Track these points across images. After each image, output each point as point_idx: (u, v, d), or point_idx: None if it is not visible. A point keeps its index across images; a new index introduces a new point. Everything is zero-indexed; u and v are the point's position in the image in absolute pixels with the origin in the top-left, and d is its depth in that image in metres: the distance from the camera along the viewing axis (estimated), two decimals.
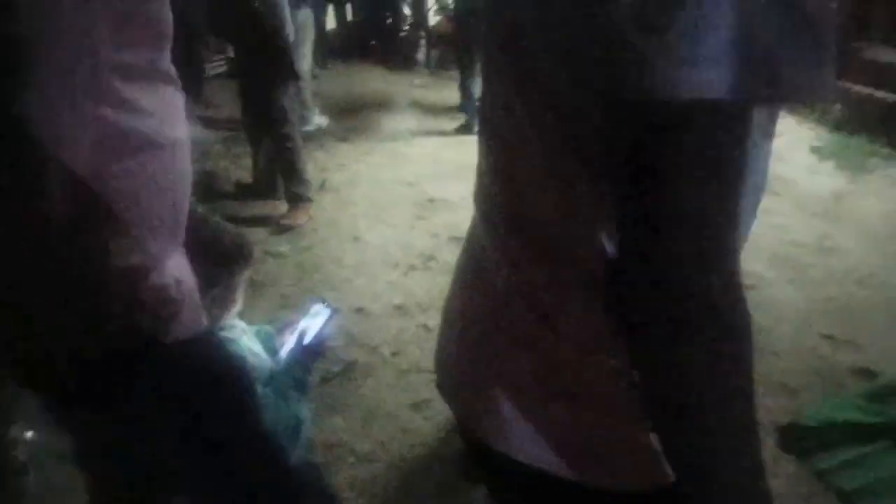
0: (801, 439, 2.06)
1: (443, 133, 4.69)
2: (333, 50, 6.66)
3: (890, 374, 2.30)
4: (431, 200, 3.61)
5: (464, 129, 4.57)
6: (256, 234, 3.14)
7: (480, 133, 0.74)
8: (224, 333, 1.42)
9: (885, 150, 4.05)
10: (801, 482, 1.92)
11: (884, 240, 3.18)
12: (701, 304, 0.53)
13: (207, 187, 3.55)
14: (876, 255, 3.08)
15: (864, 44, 4.30)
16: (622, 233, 0.55)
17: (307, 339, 1.61)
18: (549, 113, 0.60)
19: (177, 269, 0.89)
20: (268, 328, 1.67)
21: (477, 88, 4.29)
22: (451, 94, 5.15)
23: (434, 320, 2.28)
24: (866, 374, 2.36)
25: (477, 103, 3.94)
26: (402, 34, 6.98)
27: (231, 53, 4.67)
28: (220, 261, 1.39)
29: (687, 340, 0.54)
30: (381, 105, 5.43)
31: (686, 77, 0.49)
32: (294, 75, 3.23)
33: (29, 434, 1.64)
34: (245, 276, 1.56)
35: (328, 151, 4.36)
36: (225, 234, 1.46)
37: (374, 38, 7.06)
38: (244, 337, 1.53)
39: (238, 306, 1.57)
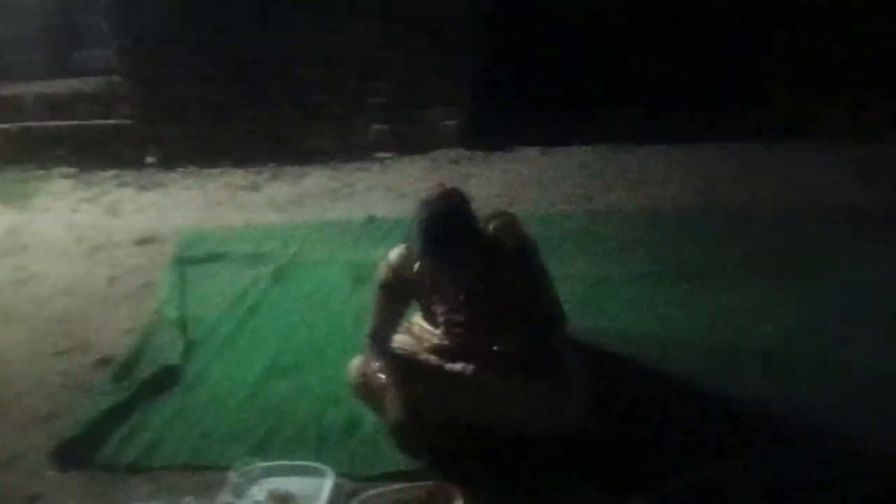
0: (76, 451, 2.21)
1: None
2: None
3: (119, 354, 2.66)
4: None
5: None
6: None
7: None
8: None
9: (38, 173, 4.32)
10: (90, 490, 2.09)
11: (76, 253, 3.49)
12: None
13: None
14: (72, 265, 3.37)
15: None
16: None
17: None
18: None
19: None
20: None
21: None
22: None
23: None
24: (106, 362, 2.64)
25: None
26: None
27: None
28: None
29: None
30: None
31: None
32: None
33: None
34: None
35: None
36: None
37: None
38: None
39: None
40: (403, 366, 1.91)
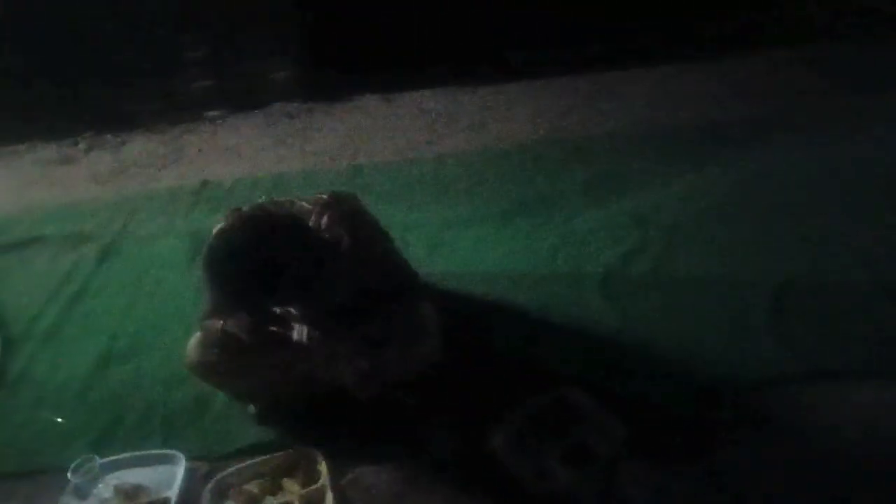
0: None
1: None
2: None
3: None
4: None
5: None
6: None
7: None
8: None
9: None
10: None
11: None
12: None
13: None
14: None
15: None
16: None
17: None
18: None
19: None
20: None
21: None
22: None
23: None
24: None
25: None
26: None
27: None
28: None
29: None
30: None
31: None
32: None
33: None
34: None
35: None
36: None
37: None
38: None
39: None
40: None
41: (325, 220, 1.85)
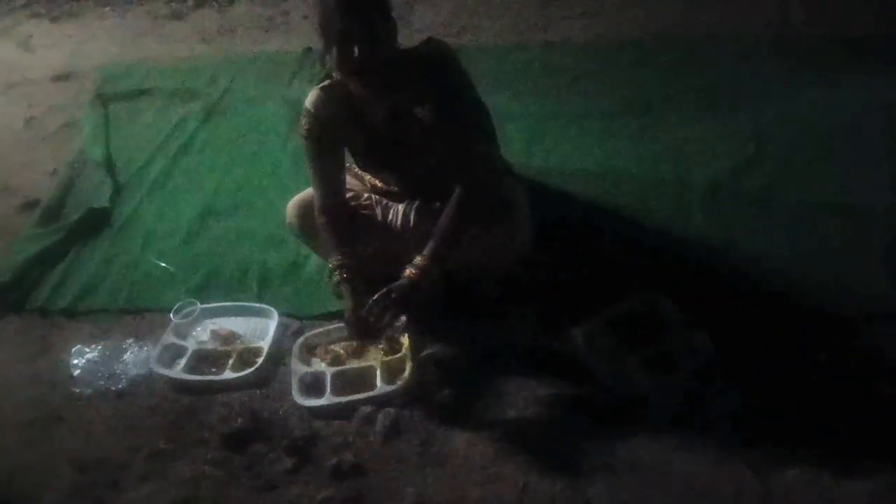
0: (9, 295, 2.16)
1: None
2: None
3: (44, 197, 2.52)
4: None
5: None
6: None
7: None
8: None
9: None
10: (28, 333, 2.05)
11: None
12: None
13: None
14: None
15: None
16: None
17: None
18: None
19: None
20: None
21: None
22: None
23: None
24: (31, 206, 2.50)
25: None
26: None
27: None
28: None
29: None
30: None
31: None
32: None
33: None
34: None
35: None
36: None
37: None
38: None
39: None
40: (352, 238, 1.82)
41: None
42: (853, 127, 2.35)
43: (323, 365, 1.81)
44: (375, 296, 1.64)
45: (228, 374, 1.83)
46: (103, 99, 2.96)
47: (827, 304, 1.81)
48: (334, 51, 1.61)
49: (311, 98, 1.79)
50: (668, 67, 2.77)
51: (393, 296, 1.63)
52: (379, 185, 1.93)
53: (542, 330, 1.84)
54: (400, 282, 1.65)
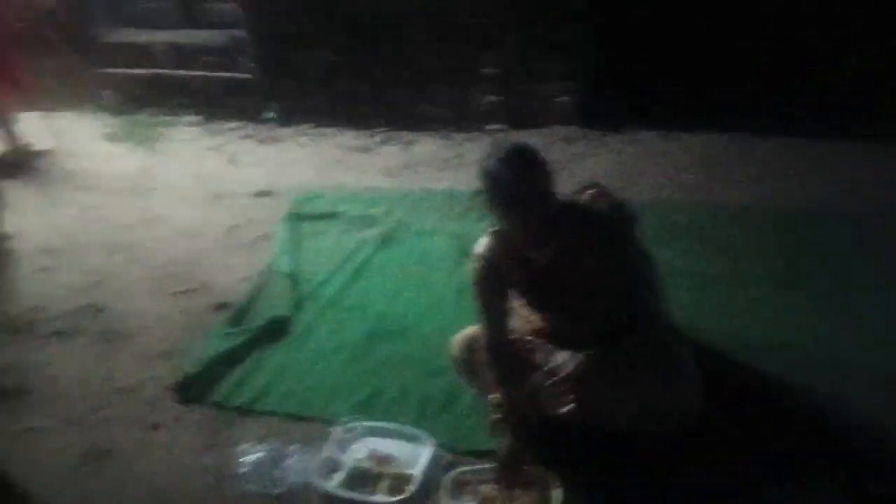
0: (195, 386, 2.37)
1: None
2: None
3: (235, 300, 2.80)
4: None
5: None
6: None
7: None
8: None
9: (166, 119, 4.55)
10: (205, 425, 2.24)
11: (199, 199, 3.68)
12: None
13: None
14: (194, 210, 3.55)
15: (109, 28, 4.61)
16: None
17: None
18: None
19: None
20: None
21: None
22: None
23: None
24: (222, 307, 2.79)
25: None
26: None
27: None
28: None
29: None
30: None
31: None
32: None
33: None
34: None
35: None
36: None
37: None
38: None
39: None
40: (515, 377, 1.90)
41: (584, 194, 1.87)
42: None
43: None
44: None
45: (381, 498, 1.89)
46: (295, 217, 3.32)
47: None
48: (503, 211, 1.77)
49: (482, 243, 1.94)
50: (840, 242, 2.71)
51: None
52: (542, 325, 2.00)
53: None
54: None
